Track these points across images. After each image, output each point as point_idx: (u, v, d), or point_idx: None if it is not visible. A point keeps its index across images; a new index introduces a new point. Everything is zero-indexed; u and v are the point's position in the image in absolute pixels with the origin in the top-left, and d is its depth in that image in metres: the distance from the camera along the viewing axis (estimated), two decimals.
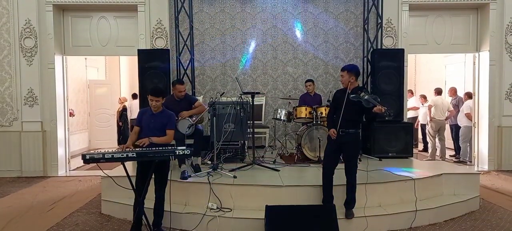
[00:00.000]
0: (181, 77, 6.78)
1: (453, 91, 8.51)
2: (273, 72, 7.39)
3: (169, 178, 4.05)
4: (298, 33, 7.28)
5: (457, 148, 8.51)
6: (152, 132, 3.81)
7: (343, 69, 4.14)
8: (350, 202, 4.12)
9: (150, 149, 3.54)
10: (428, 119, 8.25)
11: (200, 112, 5.15)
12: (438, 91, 8.38)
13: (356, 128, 4.10)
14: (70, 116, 7.96)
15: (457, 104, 8.28)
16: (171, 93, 5.43)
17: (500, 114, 7.17)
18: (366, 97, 3.86)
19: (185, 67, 6.96)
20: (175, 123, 4.07)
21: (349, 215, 4.07)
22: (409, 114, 8.92)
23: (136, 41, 7.01)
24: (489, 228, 4.22)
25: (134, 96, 10.32)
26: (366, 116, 4.12)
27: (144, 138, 3.74)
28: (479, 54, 7.40)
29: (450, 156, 8.52)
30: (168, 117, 3.94)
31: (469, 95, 7.90)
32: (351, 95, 3.95)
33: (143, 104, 6.00)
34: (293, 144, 6.63)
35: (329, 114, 4.35)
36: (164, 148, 3.63)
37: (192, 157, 5.00)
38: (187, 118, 4.95)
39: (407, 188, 4.51)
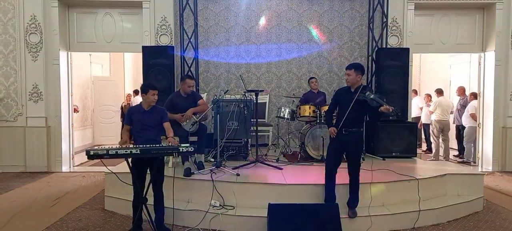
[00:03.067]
0: (185, 74, 6.78)
1: (462, 91, 8.42)
2: (277, 70, 7.38)
3: (173, 175, 4.08)
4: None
5: (460, 148, 8.48)
6: (146, 129, 3.82)
7: (350, 68, 4.04)
8: (353, 201, 4.11)
9: (154, 145, 3.55)
10: (433, 118, 8.22)
11: (203, 111, 5.15)
12: (439, 92, 8.34)
13: (359, 127, 4.07)
14: (74, 111, 7.99)
15: (464, 105, 8.21)
16: (177, 89, 5.42)
17: (505, 115, 7.13)
18: (371, 96, 3.82)
19: (189, 65, 6.96)
20: (167, 116, 4.08)
21: (352, 214, 4.06)
22: (412, 114, 8.88)
23: (140, 38, 7.01)
24: (492, 229, 4.20)
25: (136, 92, 10.38)
26: (370, 114, 4.08)
27: (137, 134, 3.81)
28: (484, 54, 7.36)
29: (454, 156, 8.48)
30: (161, 111, 3.96)
31: (474, 96, 7.86)
32: (356, 95, 3.92)
33: None
34: (296, 143, 6.62)
35: (328, 112, 4.31)
36: (167, 144, 3.64)
37: (196, 154, 5.01)
38: (192, 116, 4.96)
39: (411, 188, 4.49)
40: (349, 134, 4.00)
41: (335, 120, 4.28)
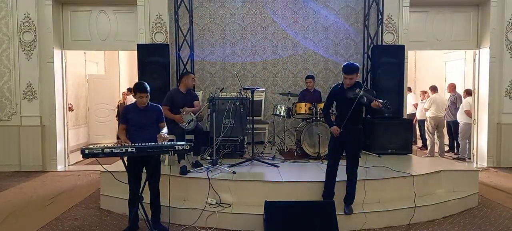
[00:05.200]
0: (181, 72, 6.76)
1: (452, 88, 8.49)
2: (273, 68, 7.38)
3: (169, 173, 4.07)
4: None
5: (452, 144, 8.54)
6: (142, 128, 3.80)
7: (352, 72, 3.95)
8: (349, 198, 4.12)
9: (149, 144, 3.53)
10: (428, 115, 8.25)
11: (196, 112, 5.15)
12: (434, 89, 8.37)
13: (358, 124, 4.10)
14: (69, 110, 7.95)
15: (454, 102, 8.27)
16: (174, 86, 5.44)
17: (500, 112, 7.16)
18: (361, 93, 3.87)
19: (184, 63, 6.94)
20: (163, 116, 4.06)
21: (348, 211, 4.07)
22: (407, 111, 8.90)
23: (135, 36, 6.97)
24: (487, 225, 4.23)
25: (130, 90, 10.33)
26: (367, 110, 4.11)
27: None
28: (479, 51, 7.39)
29: (446, 152, 8.51)
30: (157, 111, 3.94)
31: (468, 93, 7.90)
32: (347, 94, 3.95)
33: None
34: (293, 140, 6.62)
35: (325, 110, 4.29)
36: (163, 143, 3.63)
37: (192, 155, 5.01)
38: (190, 113, 4.96)
39: (406, 185, 4.51)
40: (349, 131, 4.02)
41: (334, 117, 4.30)
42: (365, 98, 3.84)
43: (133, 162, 3.74)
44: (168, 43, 6.82)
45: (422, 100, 9.26)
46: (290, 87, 7.32)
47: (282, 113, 6.11)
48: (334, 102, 4.29)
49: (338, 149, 4.13)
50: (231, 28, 7.28)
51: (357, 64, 4.09)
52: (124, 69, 11.56)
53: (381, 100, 3.76)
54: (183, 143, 3.61)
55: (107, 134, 10.27)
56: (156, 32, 6.92)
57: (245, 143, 5.95)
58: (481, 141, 7.38)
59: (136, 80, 6.12)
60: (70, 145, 7.82)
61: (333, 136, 4.10)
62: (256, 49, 7.33)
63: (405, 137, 6.32)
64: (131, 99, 10.05)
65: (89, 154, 3.36)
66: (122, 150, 3.42)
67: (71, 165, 7.46)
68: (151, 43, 6.82)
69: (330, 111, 4.39)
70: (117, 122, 10.42)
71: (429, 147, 8.28)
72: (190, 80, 5.29)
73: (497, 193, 5.44)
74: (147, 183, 3.82)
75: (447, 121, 8.51)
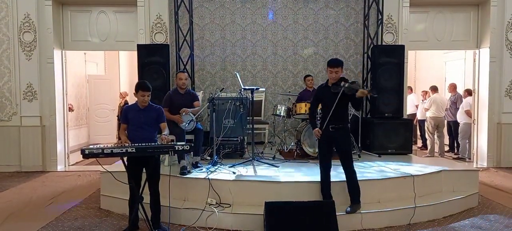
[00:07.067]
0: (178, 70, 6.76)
1: (453, 88, 8.49)
2: (273, 68, 7.38)
3: (169, 173, 4.07)
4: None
5: (452, 144, 8.53)
6: (141, 127, 3.79)
7: (338, 65, 4.02)
8: (355, 193, 4.09)
9: (150, 144, 3.53)
10: (428, 115, 8.25)
11: (196, 113, 5.15)
12: (434, 89, 8.37)
13: (345, 122, 4.12)
14: (69, 110, 7.94)
15: (455, 102, 8.27)
16: (175, 86, 5.43)
17: (500, 111, 7.16)
18: (346, 85, 3.90)
19: (184, 63, 6.93)
20: (164, 116, 4.06)
21: (350, 209, 4.04)
22: (408, 111, 8.89)
23: (135, 36, 6.97)
24: (487, 225, 4.23)
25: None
26: (352, 103, 4.09)
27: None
28: (479, 51, 7.39)
29: (446, 152, 8.51)
30: (157, 111, 3.93)
31: (468, 92, 7.90)
32: (333, 89, 3.96)
33: None
34: (293, 140, 6.62)
35: (310, 111, 4.29)
36: (163, 143, 3.63)
37: (192, 156, 5.01)
38: (189, 113, 4.96)
39: (406, 185, 4.51)
40: (337, 130, 4.03)
41: (320, 118, 4.30)
42: (350, 89, 3.86)
43: (133, 162, 3.74)
44: (168, 43, 6.82)
45: (422, 101, 9.26)
46: (290, 87, 7.33)
47: (282, 114, 6.11)
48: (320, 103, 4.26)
49: (328, 150, 4.13)
50: (231, 28, 7.28)
51: (341, 59, 4.13)
52: (124, 70, 11.57)
53: (368, 89, 3.77)
54: (183, 143, 3.61)
55: (107, 134, 10.27)
56: (156, 33, 6.92)
57: (245, 143, 5.95)
58: (481, 140, 7.38)
59: (136, 81, 6.14)
60: (70, 145, 7.82)
61: (321, 137, 4.08)
62: (256, 49, 7.34)
63: (405, 136, 6.31)
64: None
65: (89, 154, 3.36)
66: (122, 150, 3.42)
67: (71, 165, 7.46)
68: (151, 43, 6.82)
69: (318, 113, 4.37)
70: (118, 122, 10.43)
71: (429, 147, 8.28)
72: (178, 79, 5.19)
73: (497, 193, 5.44)
74: (147, 183, 3.82)
75: (447, 121, 8.51)
